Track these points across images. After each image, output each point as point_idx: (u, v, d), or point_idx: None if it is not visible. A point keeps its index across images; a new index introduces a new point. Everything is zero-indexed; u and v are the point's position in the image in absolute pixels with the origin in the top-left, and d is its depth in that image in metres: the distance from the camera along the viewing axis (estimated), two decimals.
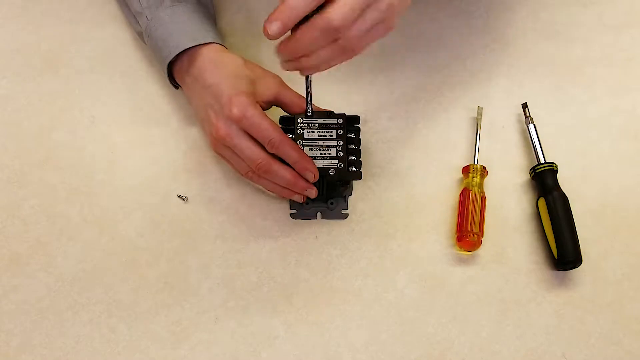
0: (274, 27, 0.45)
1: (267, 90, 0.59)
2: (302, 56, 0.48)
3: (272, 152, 0.55)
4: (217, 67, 0.58)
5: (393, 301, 0.58)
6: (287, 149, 0.55)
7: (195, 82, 0.59)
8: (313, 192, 0.58)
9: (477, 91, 0.66)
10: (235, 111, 0.54)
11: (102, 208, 0.61)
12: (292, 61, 0.49)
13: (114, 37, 0.69)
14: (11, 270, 0.59)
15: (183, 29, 0.60)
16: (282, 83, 0.60)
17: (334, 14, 0.45)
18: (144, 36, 0.62)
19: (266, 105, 0.59)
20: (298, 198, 0.59)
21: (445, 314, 0.58)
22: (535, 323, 0.57)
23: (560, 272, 0.59)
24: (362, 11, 0.46)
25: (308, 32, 0.46)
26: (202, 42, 0.59)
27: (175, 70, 0.61)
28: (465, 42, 0.69)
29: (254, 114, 0.54)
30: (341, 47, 0.47)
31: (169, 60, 0.59)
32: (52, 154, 0.64)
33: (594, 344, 0.57)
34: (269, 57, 0.67)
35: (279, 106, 0.60)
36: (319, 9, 0.45)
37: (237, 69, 0.58)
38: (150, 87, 0.66)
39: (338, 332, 0.57)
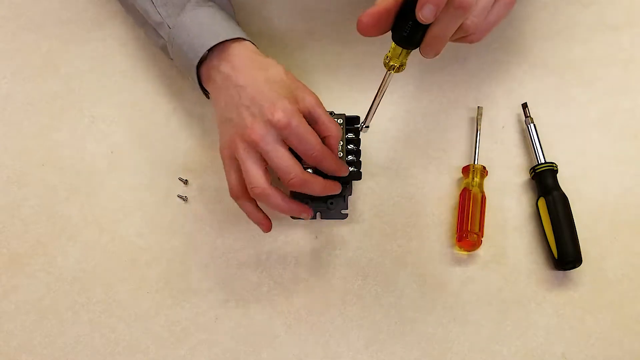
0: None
1: (305, 103, 0.55)
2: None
3: (310, 163, 0.53)
4: (255, 67, 0.55)
5: (393, 301, 0.58)
6: (329, 161, 0.53)
7: (226, 80, 0.55)
8: (338, 188, 0.56)
9: (477, 91, 0.66)
10: (281, 117, 0.51)
11: (102, 208, 0.61)
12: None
13: (114, 37, 0.69)
14: (11, 270, 0.59)
15: (208, 29, 0.56)
16: (318, 101, 0.56)
17: None
18: (168, 47, 0.59)
19: None
20: (305, 216, 0.57)
21: (445, 314, 0.58)
22: (535, 323, 0.57)
23: (560, 272, 0.59)
24: None
25: (444, 18, 0.44)
26: (231, 38, 0.56)
27: (203, 71, 0.57)
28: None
29: (299, 124, 0.52)
30: (465, 28, 0.46)
31: (197, 60, 0.56)
32: (52, 154, 0.64)
33: (594, 344, 0.57)
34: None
35: (309, 123, 0.56)
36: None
37: (278, 74, 0.55)
38: (150, 87, 0.66)
39: (338, 332, 0.57)
